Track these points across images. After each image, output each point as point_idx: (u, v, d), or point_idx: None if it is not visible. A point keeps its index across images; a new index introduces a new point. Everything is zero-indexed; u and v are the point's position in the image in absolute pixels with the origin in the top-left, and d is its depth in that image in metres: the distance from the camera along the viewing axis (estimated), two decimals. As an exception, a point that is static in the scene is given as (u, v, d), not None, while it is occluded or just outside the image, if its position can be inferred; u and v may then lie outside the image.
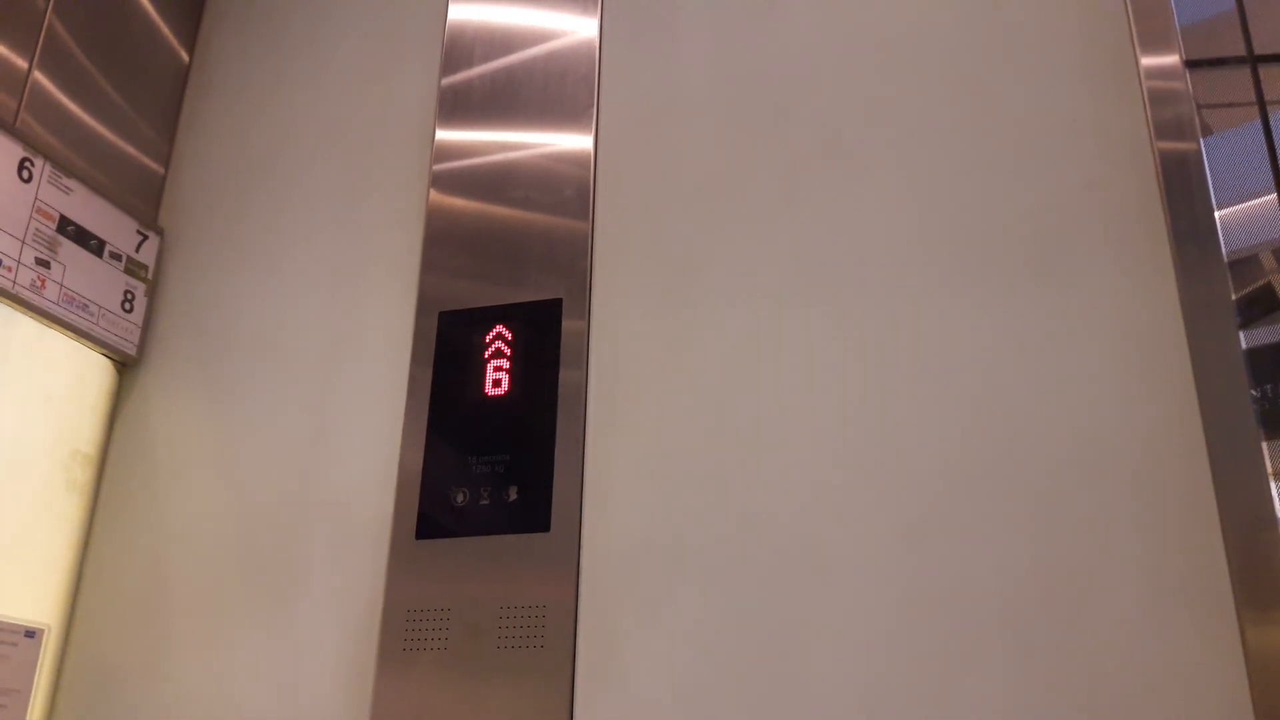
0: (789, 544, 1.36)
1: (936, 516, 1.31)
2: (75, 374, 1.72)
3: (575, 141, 1.66)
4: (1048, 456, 1.29)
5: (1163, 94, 1.38)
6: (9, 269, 1.55)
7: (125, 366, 1.81)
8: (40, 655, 1.58)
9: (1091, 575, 1.23)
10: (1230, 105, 1.40)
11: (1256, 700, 1.11)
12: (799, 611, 1.32)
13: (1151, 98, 1.39)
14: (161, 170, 1.94)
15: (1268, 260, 1.31)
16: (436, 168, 1.72)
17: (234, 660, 1.56)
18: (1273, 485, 1.19)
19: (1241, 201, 1.34)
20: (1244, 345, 1.25)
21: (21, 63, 1.63)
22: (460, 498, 1.50)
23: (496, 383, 1.55)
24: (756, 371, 1.46)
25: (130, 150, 1.87)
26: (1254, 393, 1.22)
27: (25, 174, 1.59)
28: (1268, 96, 1.38)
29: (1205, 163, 1.33)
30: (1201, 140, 1.34)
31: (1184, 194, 1.33)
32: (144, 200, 1.89)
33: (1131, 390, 1.29)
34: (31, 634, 1.58)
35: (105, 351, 1.76)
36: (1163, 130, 1.37)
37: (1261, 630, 1.13)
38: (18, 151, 1.59)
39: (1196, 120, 1.36)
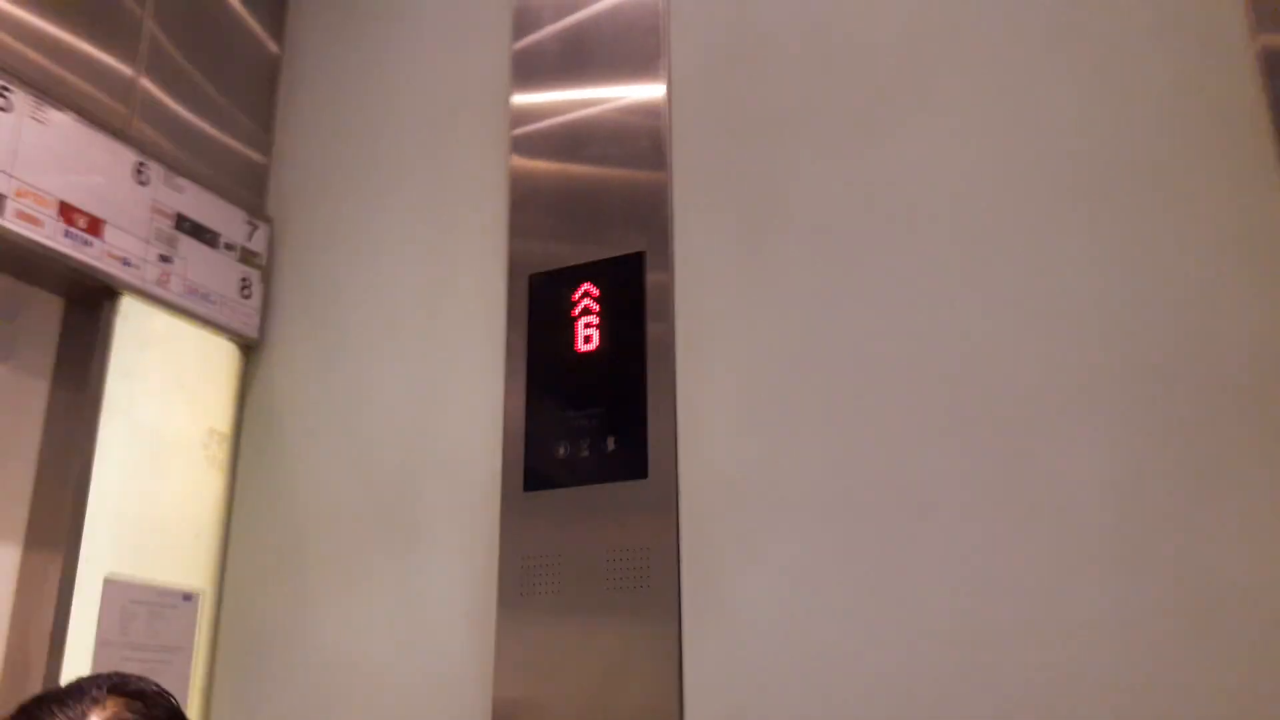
0: (885, 474, 1.36)
1: (1037, 437, 1.29)
2: (204, 359, 1.85)
3: (647, 92, 1.68)
4: (1162, 372, 1.25)
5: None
6: (137, 267, 1.68)
7: (249, 349, 1.94)
8: (197, 616, 1.74)
9: (1195, 486, 1.20)
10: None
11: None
12: (897, 542, 1.33)
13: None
14: (264, 160, 2.05)
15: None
16: (515, 132, 1.77)
17: (366, 612, 1.68)
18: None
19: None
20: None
21: (128, 70, 1.75)
22: (562, 450, 1.56)
23: (588, 339, 1.60)
24: (843, 309, 1.45)
25: (233, 144, 1.98)
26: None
27: (142, 177, 1.71)
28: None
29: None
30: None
31: None
32: (250, 191, 2.01)
33: (1243, 298, 1.23)
34: (189, 597, 1.73)
35: (229, 336, 1.89)
36: (1264, 23, 1.28)
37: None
38: (132, 157, 1.71)
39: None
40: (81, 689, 1.04)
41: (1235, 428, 1.20)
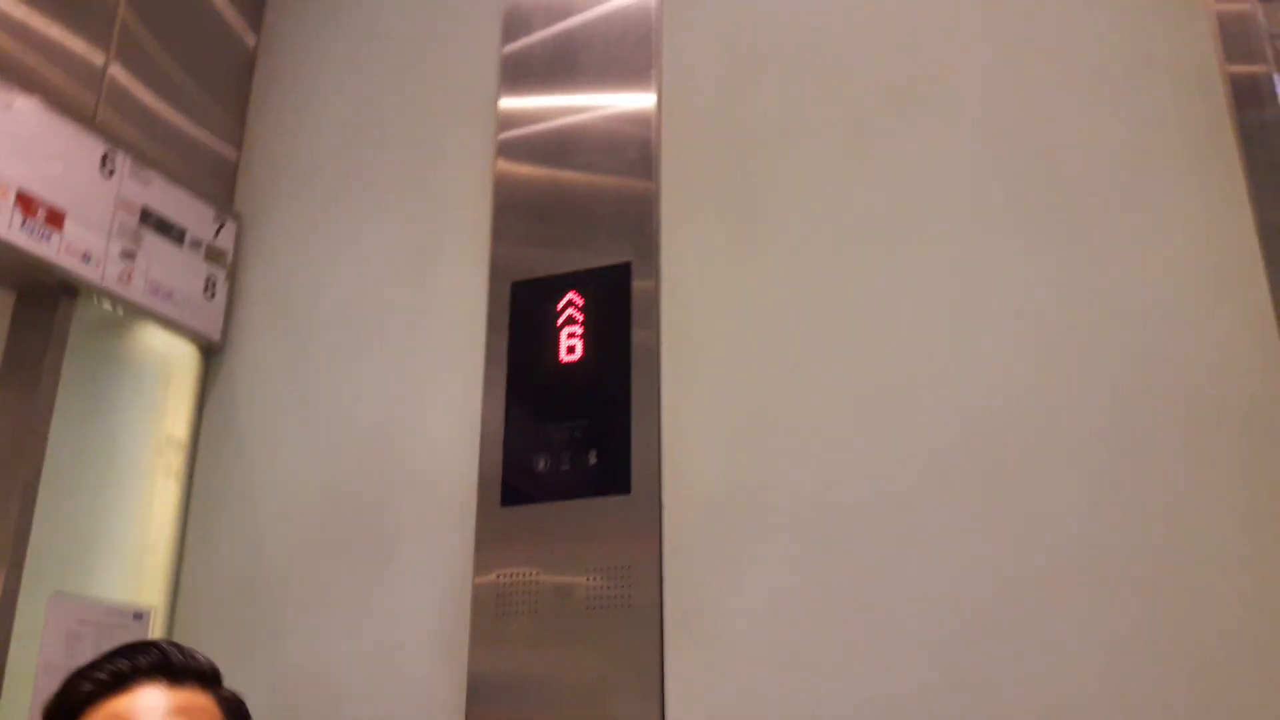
0: (870, 494, 1.35)
1: (1020, 459, 1.29)
2: (163, 362, 1.78)
3: (637, 101, 1.66)
4: (1132, 391, 1.26)
5: (1232, 17, 1.34)
6: (98, 264, 1.60)
7: (211, 352, 1.86)
8: (148, 636, 1.64)
9: (1181, 510, 1.20)
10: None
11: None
12: (882, 560, 1.32)
13: (1222, 21, 1.34)
14: (235, 155, 1.99)
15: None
16: (502, 136, 1.73)
17: (332, 633, 1.60)
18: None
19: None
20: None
21: (98, 57, 1.68)
22: (542, 464, 1.52)
23: (571, 349, 1.56)
24: (829, 323, 1.44)
25: (204, 137, 1.91)
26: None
27: (108, 169, 1.64)
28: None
29: (1276, 85, 1.29)
30: (1274, 63, 1.30)
31: (1257, 118, 1.28)
32: (220, 187, 1.94)
33: (1212, 320, 1.25)
34: (139, 616, 1.64)
35: (191, 338, 1.81)
36: (1233, 54, 1.33)
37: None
38: (99, 147, 1.63)
39: (1267, 44, 1.32)
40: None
41: (1208, 449, 1.21)
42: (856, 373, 1.41)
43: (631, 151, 1.63)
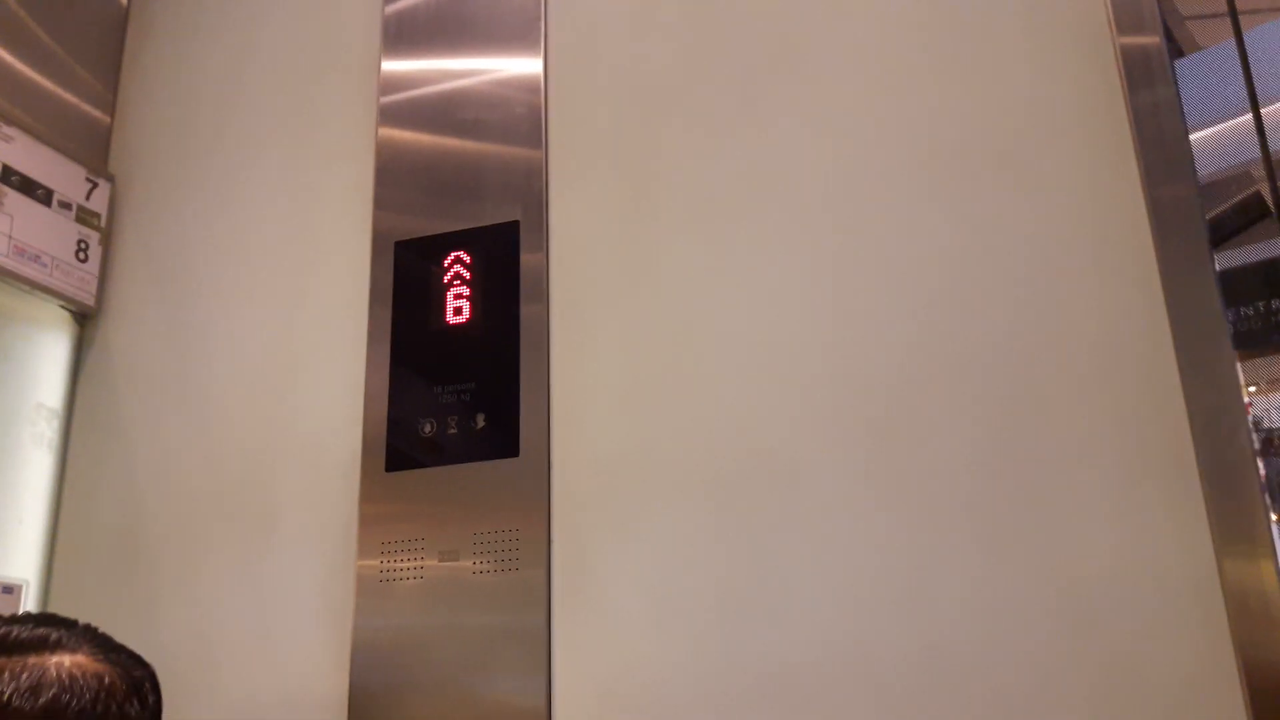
0: (758, 453, 1.35)
1: (903, 416, 1.30)
2: (33, 328, 1.70)
3: (524, 65, 1.63)
4: (1013, 354, 1.28)
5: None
6: (-45, 222, 1.52)
7: (85, 318, 1.78)
8: (19, 609, 1.58)
9: (1056, 466, 1.23)
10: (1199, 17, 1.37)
11: (1226, 585, 1.12)
12: (771, 517, 1.32)
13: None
14: (107, 118, 1.90)
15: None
16: (384, 100, 1.68)
17: (215, 603, 1.56)
18: (1239, 368, 1.18)
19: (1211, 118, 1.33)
20: (1209, 234, 1.23)
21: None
22: (428, 428, 1.49)
23: (458, 310, 1.53)
24: (719, 283, 1.44)
25: (71, 99, 1.82)
26: (1219, 284, 1.21)
27: (-39, 124, 1.55)
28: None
29: (1167, 56, 1.30)
30: (1164, 37, 1.32)
31: (1149, 93, 1.30)
32: (92, 147, 1.85)
33: (1097, 286, 1.27)
34: (9, 589, 1.58)
35: (62, 303, 1.73)
36: (1124, 25, 1.33)
37: (1228, 514, 1.13)
38: (-47, 101, 1.55)
39: (1158, 13, 1.33)
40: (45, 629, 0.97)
41: (1089, 411, 1.23)
42: (746, 333, 1.41)
43: (519, 115, 1.60)
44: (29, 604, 1.60)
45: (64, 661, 0.96)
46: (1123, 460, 1.21)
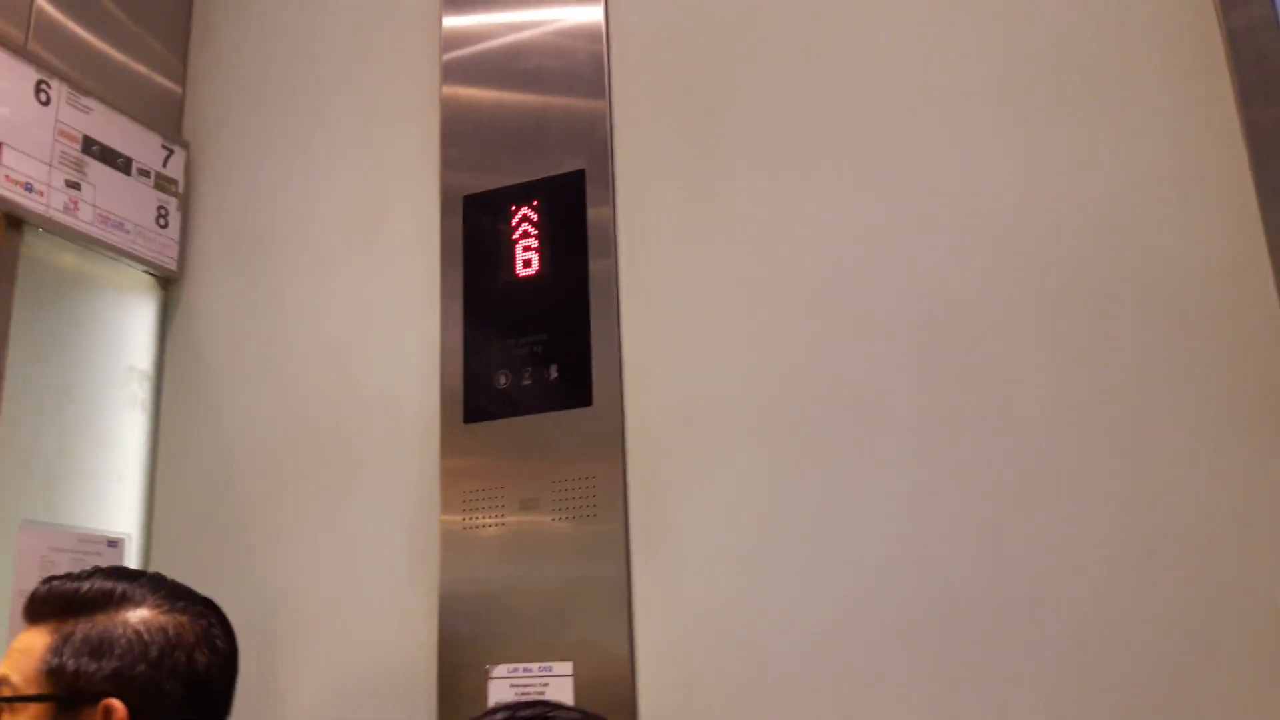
0: (832, 396, 1.34)
1: (981, 358, 1.27)
2: (121, 293, 1.76)
3: (584, 13, 1.61)
4: (1098, 292, 1.23)
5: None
6: (41, 193, 1.57)
7: (168, 282, 1.84)
8: (124, 562, 1.66)
9: (1148, 406, 1.18)
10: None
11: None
12: (844, 464, 1.31)
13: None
14: (178, 88, 1.93)
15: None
16: (446, 56, 1.68)
17: (303, 555, 1.61)
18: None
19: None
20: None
21: (24, -7, 1.62)
22: (503, 380, 1.51)
23: (527, 263, 1.54)
24: (790, 227, 1.42)
25: (144, 70, 1.86)
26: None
27: (43, 96, 1.59)
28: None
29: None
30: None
31: (1244, 6, 1.22)
32: (165, 114, 1.89)
33: (1191, 212, 1.21)
34: (114, 544, 1.65)
35: (147, 269, 1.79)
36: None
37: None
38: (32, 74, 1.58)
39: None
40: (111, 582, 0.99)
41: (1178, 349, 1.18)
42: (816, 277, 1.38)
43: (581, 65, 1.59)
44: (132, 558, 1.67)
45: (129, 618, 0.98)
46: (1221, 407, 1.15)
